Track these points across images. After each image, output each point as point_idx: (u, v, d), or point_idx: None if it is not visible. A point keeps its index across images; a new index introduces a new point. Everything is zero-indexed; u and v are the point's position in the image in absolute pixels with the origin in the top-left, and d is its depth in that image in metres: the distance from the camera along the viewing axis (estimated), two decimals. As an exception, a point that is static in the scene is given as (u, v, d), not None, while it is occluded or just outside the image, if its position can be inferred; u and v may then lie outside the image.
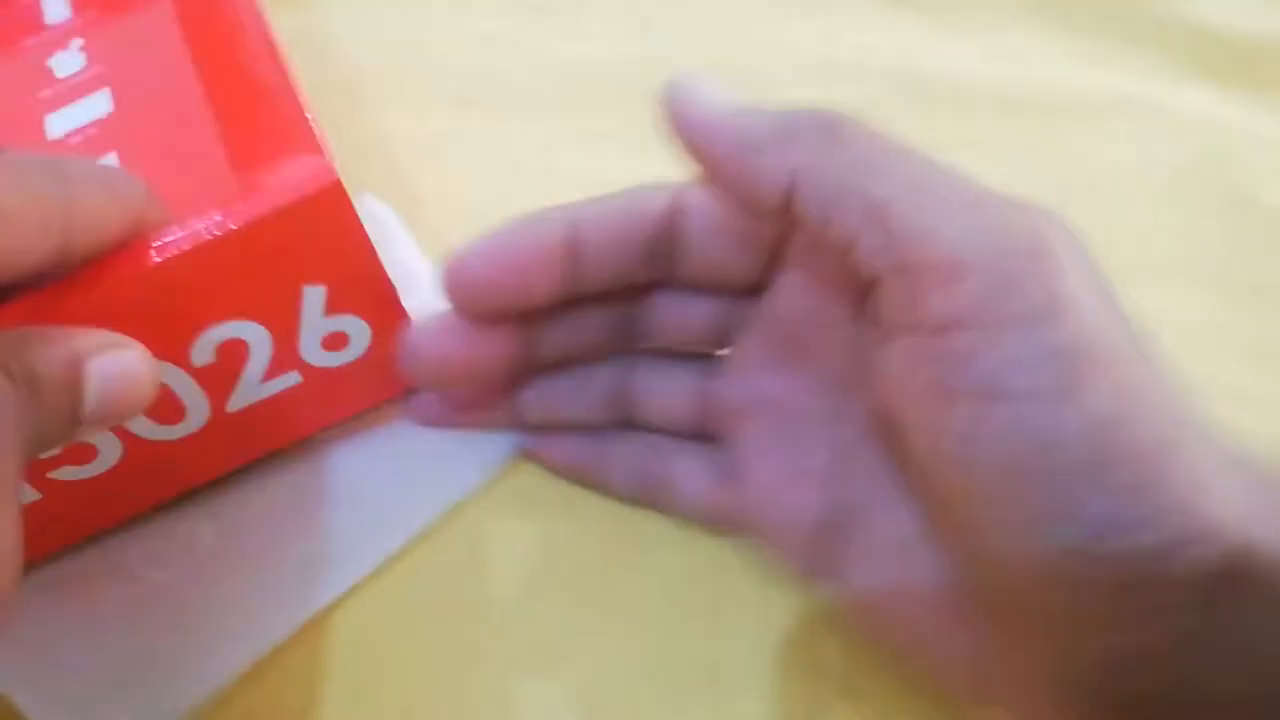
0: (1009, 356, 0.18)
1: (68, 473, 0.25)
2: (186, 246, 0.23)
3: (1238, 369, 0.31)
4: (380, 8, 0.44)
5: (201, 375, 0.25)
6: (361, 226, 0.25)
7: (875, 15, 0.44)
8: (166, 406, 0.25)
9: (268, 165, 0.25)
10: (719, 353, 0.28)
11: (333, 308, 0.26)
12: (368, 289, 0.26)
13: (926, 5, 0.44)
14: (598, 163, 0.37)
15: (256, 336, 0.25)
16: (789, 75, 0.41)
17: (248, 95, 0.27)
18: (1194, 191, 0.36)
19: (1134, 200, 0.36)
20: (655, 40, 0.43)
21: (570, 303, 0.26)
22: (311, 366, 0.26)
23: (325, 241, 0.25)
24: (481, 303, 0.25)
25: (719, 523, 0.27)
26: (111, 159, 0.26)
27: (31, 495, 0.25)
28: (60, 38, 0.30)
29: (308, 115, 0.26)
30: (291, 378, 0.26)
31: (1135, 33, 0.42)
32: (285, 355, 0.26)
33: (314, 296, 0.25)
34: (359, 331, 0.26)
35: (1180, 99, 0.39)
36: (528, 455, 0.29)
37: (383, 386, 0.28)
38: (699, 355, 0.28)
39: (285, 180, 0.24)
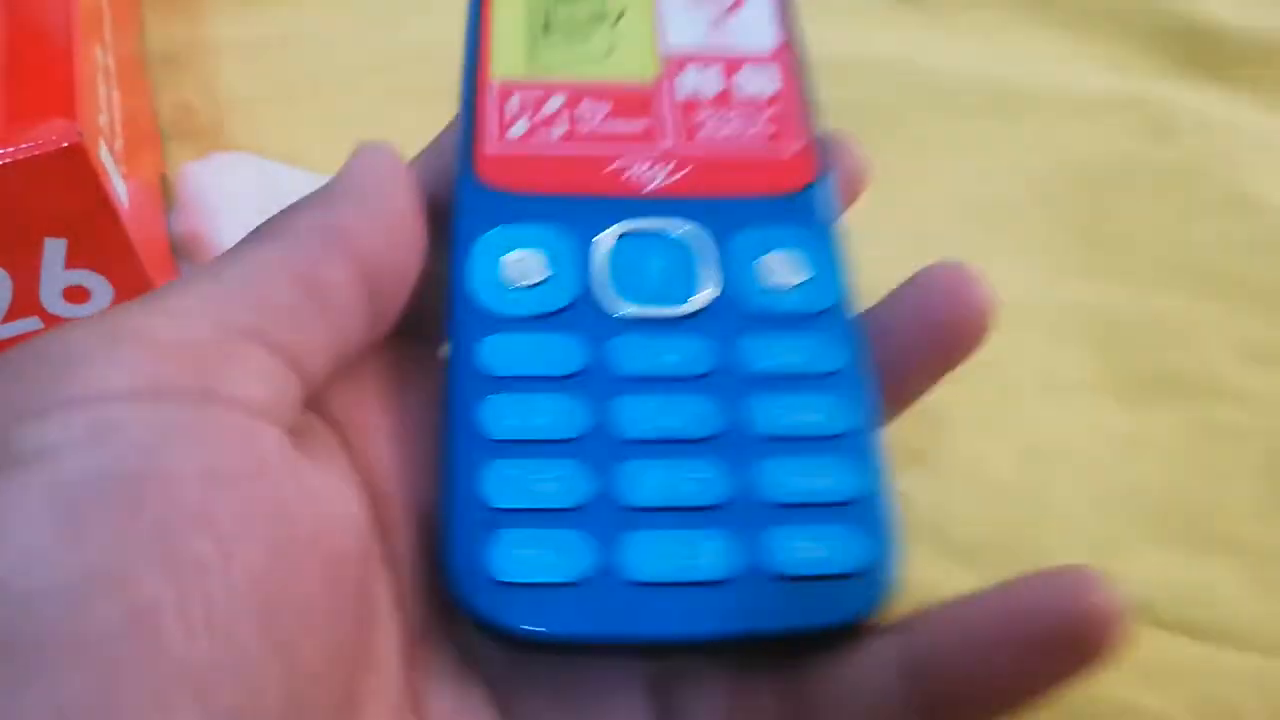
0: None
1: None
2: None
3: (1236, 369, 0.31)
4: (374, 4, 0.46)
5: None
6: (106, 189, 0.27)
7: (872, 14, 0.45)
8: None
9: (33, 123, 0.27)
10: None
11: (73, 261, 0.27)
12: (110, 249, 0.28)
13: (924, 4, 0.45)
14: None
15: (-3, 277, 0.27)
16: None
17: (38, 59, 0.29)
18: (1191, 191, 0.36)
19: (1131, 199, 0.36)
20: None
21: None
22: (53, 315, 0.28)
23: (67, 198, 0.27)
24: None
25: None
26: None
27: None
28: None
29: (77, 81, 0.28)
30: (32, 323, 0.28)
31: (1133, 31, 0.43)
32: (25, 300, 0.28)
33: (55, 248, 0.27)
34: (100, 288, 0.28)
35: (1178, 98, 0.40)
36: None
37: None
38: None
39: (33, 137, 0.26)
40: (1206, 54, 0.42)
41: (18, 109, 0.27)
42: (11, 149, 0.25)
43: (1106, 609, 0.15)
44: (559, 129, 0.20)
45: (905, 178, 0.38)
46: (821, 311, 0.18)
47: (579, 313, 0.18)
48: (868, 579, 0.16)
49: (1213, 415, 0.30)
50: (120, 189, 0.28)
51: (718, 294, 0.18)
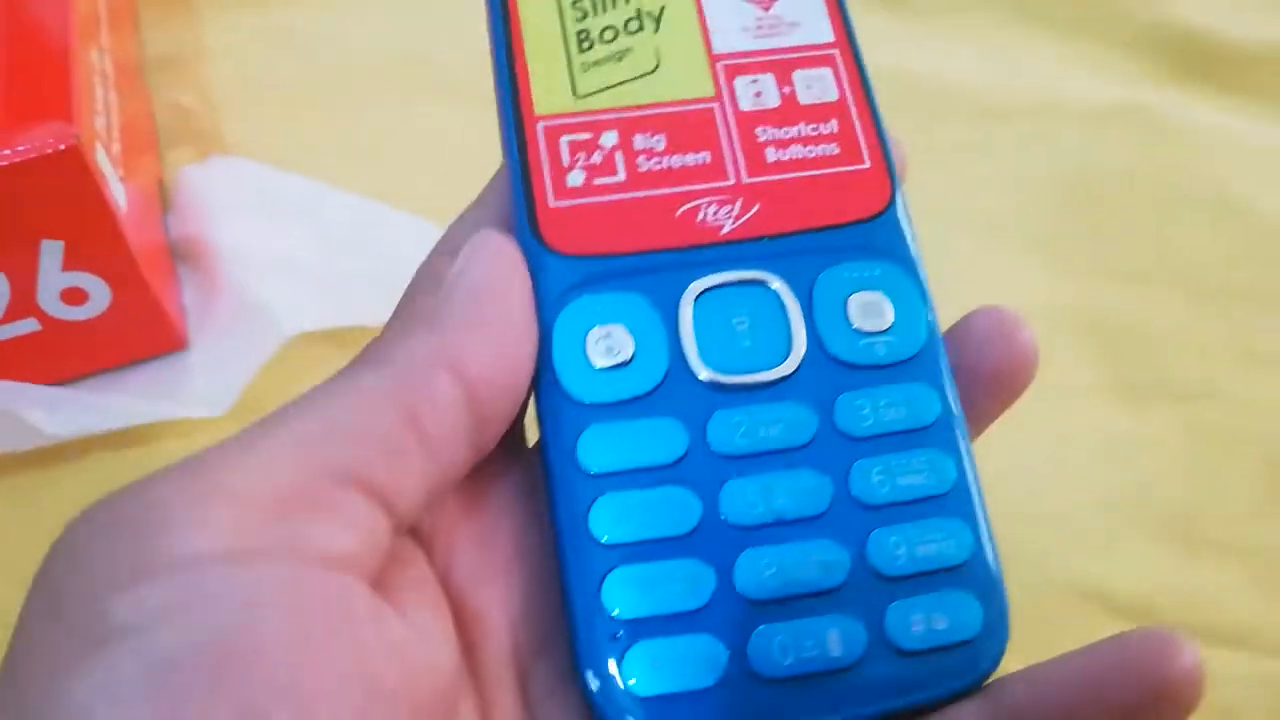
0: None
1: None
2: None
3: (1232, 372, 0.31)
4: (372, 6, 0.46)
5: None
6: (103, 191, 0.27)
7: (868, 19, 0.45)
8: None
9: (30, 126, 0.27)
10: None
11: (70, 264, 0.27)
12: (107, 251, 0.28)
13: (920, 9, 0.45)
14: None
15: (-7, 279, 0.27)
16: None
17: (35, 63, 0.29)
18: (1186, 196, 0.37)
19: (1125, 204, 0.36)
20: None
21: None
22: (51, 317, 0.28)
23: (64, 201, 0.27)
24: None
25: None
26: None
27: None
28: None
29: (74, 85, 0.28)
30: (30, 324, 0.28)
31: (1126, 38, 0.43)
32: (23, 302, 0.28)
33: (52, 250, 0.27)
34: (98, 290, 0.28)
35: (1171, 104, 0.40)
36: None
37: (128, 347, 0.30)
38: None
39: (29, 139, 0.26)
40: (1200, 61, 0.42)
41: (15, 112, 0.27)
42: (9, 151, 0.25)
43: (1192, 671, 0.15)
44: (619, 173, 0.18)
45: (903, 183, 0.38)
46: (912, 357, 0.18)
47: (672, 389, 0.17)
48: (984, 641, 0.16)
49: (1210, 418, 0.30)
50: (118, 191, 0.28)
51: (808, 351, 0.18)
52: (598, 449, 0.17)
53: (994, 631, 0.16)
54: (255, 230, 0.34)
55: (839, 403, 0.17)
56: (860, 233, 0.18)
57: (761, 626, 0.16)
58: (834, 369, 0.17)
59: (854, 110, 0.20)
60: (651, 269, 0.18)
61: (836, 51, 0.20)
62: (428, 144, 0.40)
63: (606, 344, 0.17)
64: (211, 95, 0.42)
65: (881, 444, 0.17)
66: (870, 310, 0.18)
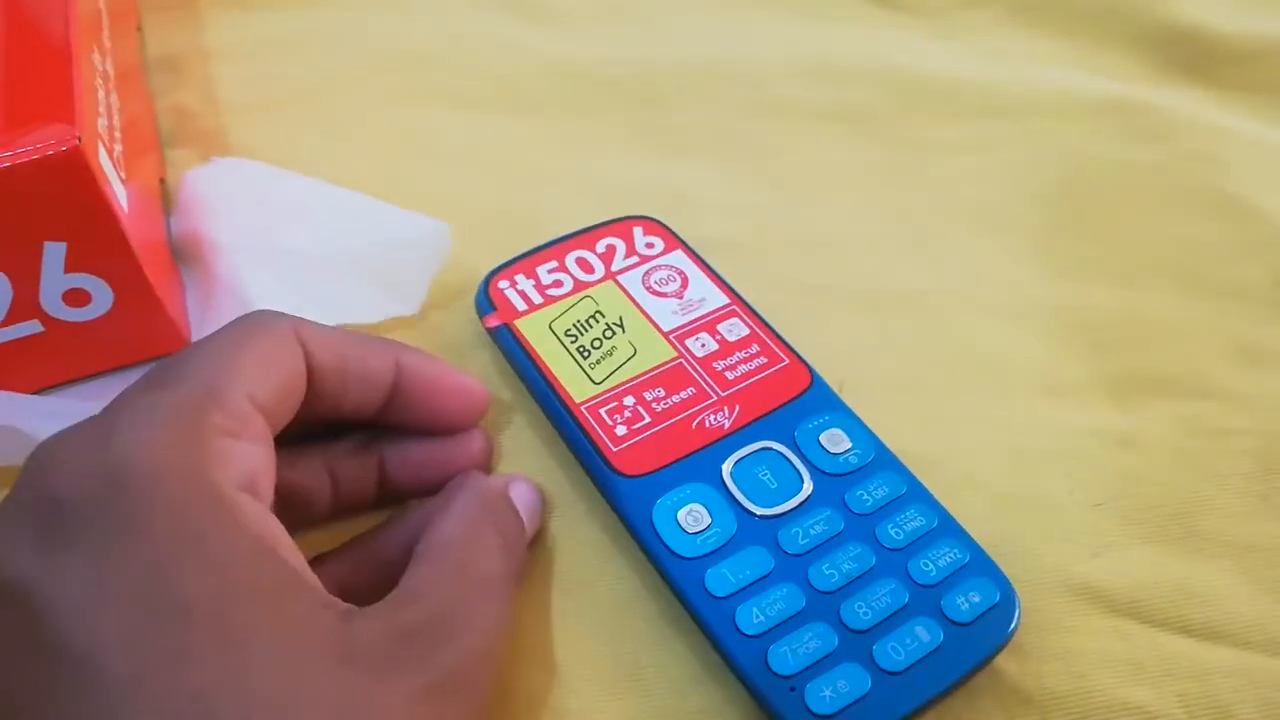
0: None
1: None
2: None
3: (1226, 369, 0.31)
4: (373, 7, 0.46)
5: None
6: (104, 193, 0.27)
7: (867, 19, 0.46)
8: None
9: (32, 128, 0.27)
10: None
11: (73, 265, 0.28)
12: (109, 252, 0.28)
13: (918, 9, 0.46)
14: (583, 162, 0.38)
15: (-4, 281, 0.27)
16: (782, 78, 0.42)
17: (37, 65, 0.29)
18: (1181, 193, 0.37)
19: (1121, 202, 0.37)
20: (649, 43, 0.44)
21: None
22: (53, 319, 0.28)
23: (66, 203, 0.27)
24: None
25: None
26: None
27: None
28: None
29: (76, 87, 0.28)
30: (32, 325, 0.28)
31: (1123, 36, 0.43)
32: (25, 303, 0.28)
33: (54, 252, 0.27)
34: (101, 291, 0.28)
35: (1167, 101, 0.40)
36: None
37: (130, 348, 0.30)
38: None
39: (31, 141, 0.26)
40: (1196, 58, 0.42)
41: (17, 114, 0.28)
42: (10, 153, 0.26)
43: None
44: (645, 418, 0.28)
45: (899, 181, 0.38)
46: (874, 459, 0.27)
47: (745, 531, 0.26)
48: (1007, 602, 0.24)
49: (1203, 415, 0.30)
50: (120, 193, 0.28)
51: (813, 478, 0.27)
52: (719, 580, 0.25)
53: (1010, 595, 0.25)
54: (257, 230, 0.34)
55: (847, 498, 0.26)
56: (804, 401, 0.28)
57: (877, 644, 0.24)
58: (833, 481, 0.27)
59: (762, 335, 0.30)
60: (697, 465, 0.27)
61: (735, 306, 0.31)
62: (428, 144, 0.40)
63: (692, 519, 0.26)
64: (213, 96, 0.42)
65: (885, 512, 0.26)
66: (835, 440, 0.28)
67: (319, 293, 0.32)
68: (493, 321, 0.30)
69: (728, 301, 0.31)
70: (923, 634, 0.24)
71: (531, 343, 0.30)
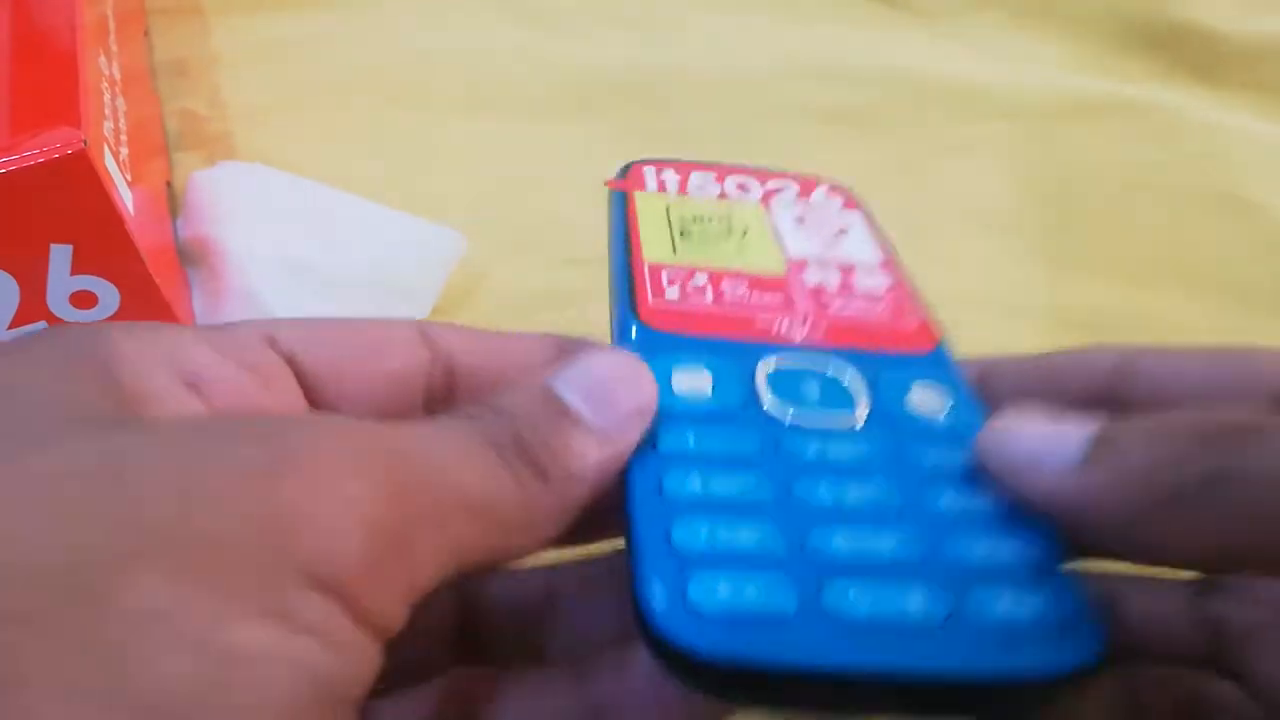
0: None
1: None
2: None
3: None
4: (379, 12, 0.47)
5: (-54, 314, 0.27)
6: (111, 196, 0.27)
7: (874, 21, 0.46)
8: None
9: (38, 131, 0.27)
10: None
11: (79, 268, 0.28)
12: (116, 255, 0.28)
13: (924, 10, 0.46)
14: (590, 166, 0.38)
15: (4, 284, 0.27)
16: (789, 80, 0.42)
17: (43, 68, 0.30)
18: (1186, 192, 0.37)
19: (1129, 202, 0.37)
20: (654, 46, 0.44)
21: None
22: (61, 320, 0.29)
23: (72, 205, 0.27)
24: None
25: None
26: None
27: None
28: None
29: (82, 89, 0.28)
30: (40, 328, 0.29)
31: (1130, 36, 0.43)
32: (33, 305, 0.28)
33: (61, 254, 0.28)
34: (108, 293, 0.29)
35: (1175, 101, 0.40)
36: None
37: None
38: None
39: (37, 144, 0.26)
40: (1202, 58, 0.42)
41: (23, 117, 0.28)
42: (17, 156, 0.26)
43: None
44: (708, 296, 0.22)
45: (904, 181, 0.38)
46: (964, 431, 0.18)
47: (745, 419, 0.19)
48: (1076, 633, 0.16)
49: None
50: (126, 196, 0.29)
51: (867, 411, 0.19)
52: (677, 438, 0.18)
53: (1086, 626, 0.16)
54: (264, 234, 0.34)
55: (907, 449, 0.18)
56: (916, 359, 0.21)
57: (835, 580, 0.16)
58: (899, 426, 0.19)
59: (902, 294, 0.23)
60: (734, 349, 0.20)
61: (887, 264, 0.24)
62: (435, 148, 0.40)
63: (690, 381, 0.19)
64: (220, 101, 0.42)
65: (951, 483, 0.18)
66: (928, 397, 0.20)
67: (327, 296, 0.33)
68: (615, 185, 0.26)
69: (882, 258, 0.25)
70: (914, 599, 0.16)
71: (638, 211, 0.25)
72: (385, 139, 0.40)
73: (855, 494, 0.17)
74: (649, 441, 0.17)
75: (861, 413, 0.19)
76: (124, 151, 0.31)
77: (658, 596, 0.15)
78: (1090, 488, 0.16)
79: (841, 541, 0.16)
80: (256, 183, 0.37)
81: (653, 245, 0.23)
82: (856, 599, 0.15)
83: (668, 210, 0.25)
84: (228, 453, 0.13)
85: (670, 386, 0.19)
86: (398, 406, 0.19)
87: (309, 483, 0.13)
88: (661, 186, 0.26)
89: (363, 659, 0.13)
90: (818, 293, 0.23)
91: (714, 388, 0.19)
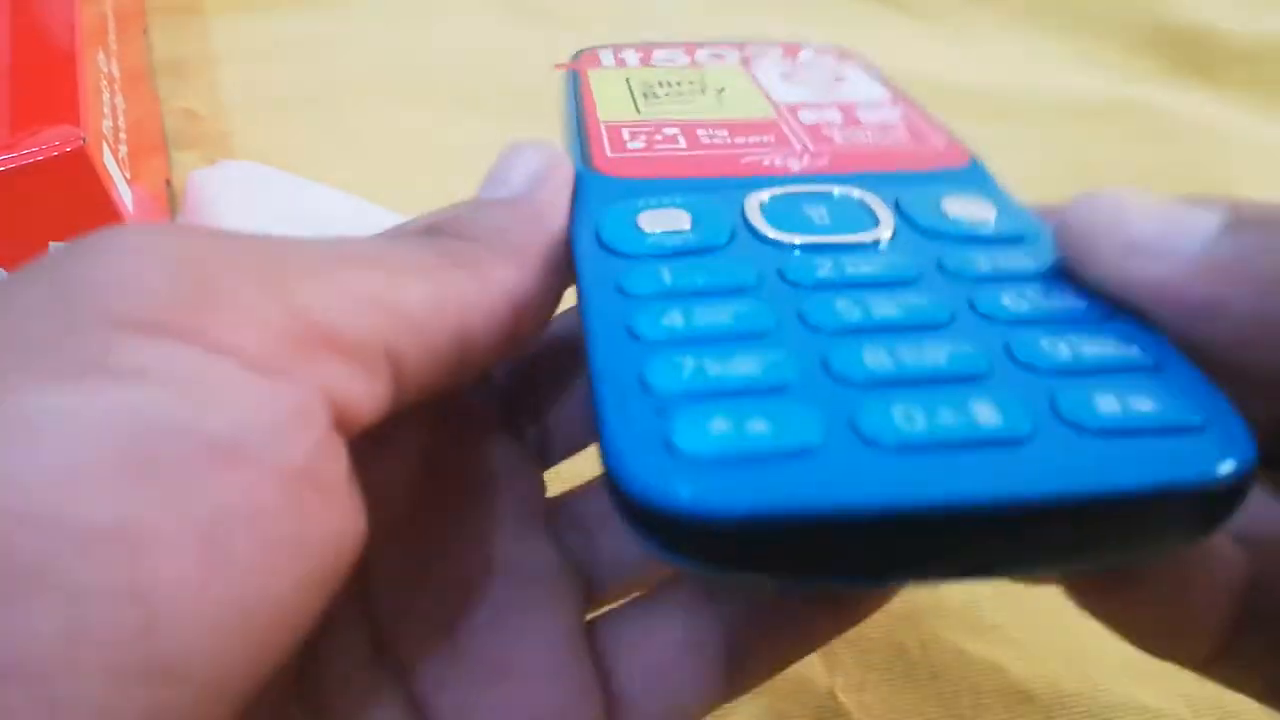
0: None
1: None
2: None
3: None
4: (379, 12, 0.47)
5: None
6: (110, 193, 0.27)
7: (873, 21, 0.46)
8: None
9: (38, 129, 0.27)
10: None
11: (78, 265, 0.28)
12: (114, 252, 0.28)
13: (924, 11, 0.46)
14: None
15: (2, 282, 0.27)
16: None
17: (42, 66, 0.30)
18: (1185, 193, 0.36)
19: None
20: None
21: None
22: (59, 318, 0.29)
23: (71, 203, 0.27)
24: None
25: None
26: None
27: None
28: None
29: (81, 88, 0.28)
30: (38, 326, 0.29)
31: (1129, 36, 0.43)
32: (31, 303, 0.28)
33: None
34: (106, 291, 0.29)
35: (1173, 101, 0.40)
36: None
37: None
38: None
39: (36, 142, 0.26)
40: (1201, 58, 0.42)
41: (22, 115, 0.28)
42: (16, 154, 0.26)
43: None
44: (680, 143, 0.18)
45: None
46: (1021, 235, 0.15)
47: (737, 249, 0.15)
48: (1212, 433, 0.12)
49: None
50: (125, 194, 0.29)
51: (892, 229, 0.15)
52: (644, 277, 0.14)
53: (1225, 426, 0.12)
54: (262, 232, 0.34)
55: (945, 259, 0.14)
56: (942, 174, 0.17)
57: (873, 399, 0.12)
58: (934, 238, 0.15)
59: (918, 120, 0.20)
60: (717, 186, 0.16)
61: (895, 98, 0.21)
62: (433, 147, 0.40)
63: (662, 220, 0.15)
64: (219, 100, 0.42)
65: (1008, 281, 0.14)
66: (969, 208, 0.16)
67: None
68: (564, 67, 0.22)
69: (890, 95, 0.21)
70: (982, 411, 0.11)
71: (591, 87, 0.21)
72: (385, 139, 0.40)
73: (887, 307, 0.13)
74: (613, 286, 0.14)
75: (886, 230, 0.15)
76: (123, 150, 0.31)
77: (630, 449, 0.11)
78: (1225, 278, 0.12)
79: (876, 357, 0.12)
80: (255, 182, 0.37)
81: (611, 108, 0.20)
82: (907, 417, 0.11)
83: (628, 81, 0.21)
84: (36, 267, 0.12)
85: (637, 230, 0.15)
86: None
87: (104, 254, 0.12)
88: (619, 61, 0.22)
89: (240, 395, 0.11)
90: (817, 128, 0.19)
91: (693, 224, 0.15)
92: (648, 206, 0.16)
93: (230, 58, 0.44)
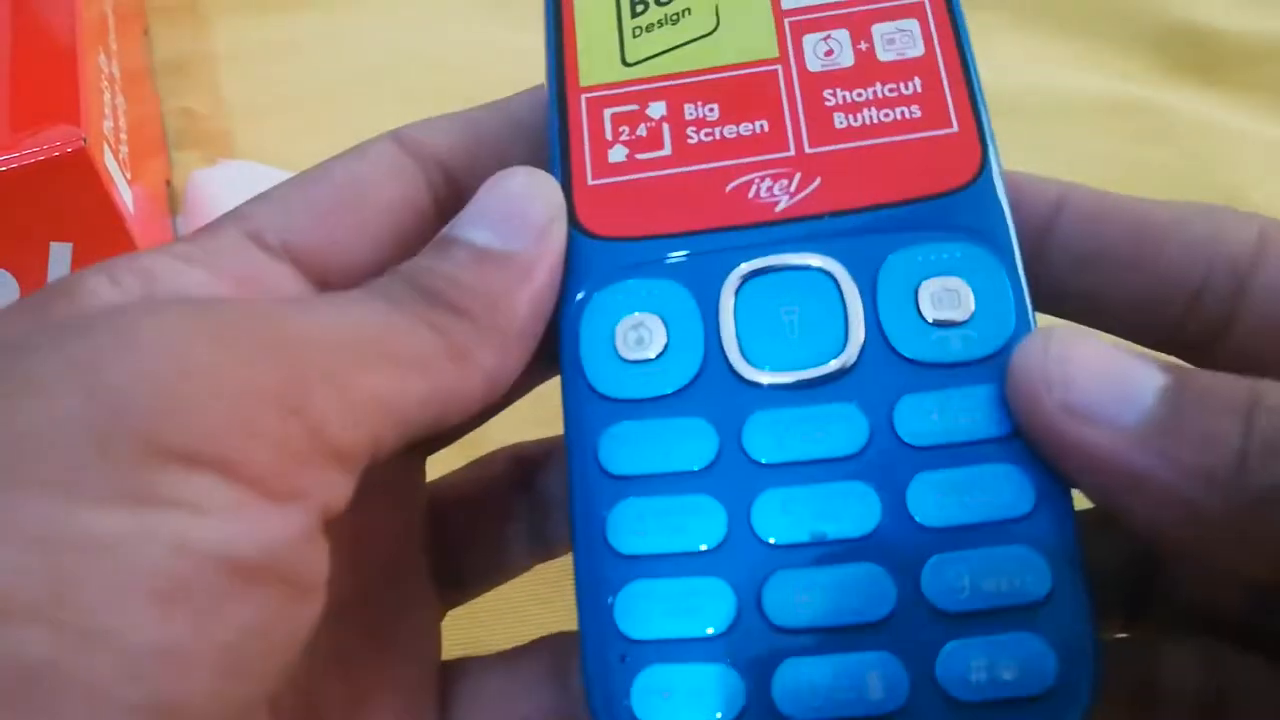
0: None
1: None
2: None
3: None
4: (379, 12, 0.47)
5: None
6: (110, 193, 0.27)
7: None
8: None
9: (38, 129, 0.27)
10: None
11: (79, 265, 0.28)
12: (116, 253, 0.28)
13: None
14: None
15: (3, 282, 0.27)
16: None
17: (43, 66, 0.30)
18: (1187, 194, 0.35)
19: None
20: None
21: None
22: (60, 318, 0.29)
23: (72, 203, 0.27)
24: None
25: None
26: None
27: None
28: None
29: (81, 88, 0.28)
30: (39, 326, 0.29)
31: (1127, 35, 0.42)
32: (32, 303, 0.28)
33: (60, 252, 0.28)
34: (106, 291, 0.29)
35: (1173, 102, 0.40)
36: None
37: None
38: None
39: (37, 142, 0.26)
40: (1202, 57, 0.42)
41: (23, 115, 0.28)
42: (17, 154, 0.26)
43: None
44: (665, 147, 0.17)
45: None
46: (994, 354, 0.15)
47: (706, 387, 0.15)
48: (1057, 700, 0.13)
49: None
50: (125, 194, 0.29)
51: (866, 345, 0.15)
52: (621, 449, 0.15)
53: (1072, 691, 0.13)
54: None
55: (900, 405, 0.15)
56: (940, 208, 0.16)
57: (789, 660, 0.14)
58: (897, 366, 0.15)
59: (942, 66, 0.17)
60: (694, 252, 0.16)
61: (928, 10, 0.18)
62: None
63: (637, 335, 0.16)
64: (220, 100, 0.42)
65: (948, 456, 0.14)
66: (946, 299, 0.15)
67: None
68: None
69: (917, 2, 0.18)
70: (873, 685, 0.14)
71: (575, 9, 0.19)
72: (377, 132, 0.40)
73: (819, 518, 0.14)
74: (593, 446, 0.15)
75: (852, 352, 0.15)
76: (124, 150, 0.31)
77: (600, 702, 0.14)
78: (1152, 456, 0.12)
79: (798, 604, 0.14)
80: (255, 181, 0.37)
81: (590, 56, 0.18)
82: (808, 694, 0.14)
83: (617, 3, 0.19)
84: (51, 352, 0.13)
85: (614, 345, 0.16)
86: (410, 230, 0.18)
87: (138, 362, 0.12)
88: None
89: (266, 523, 0.12)
90: (817, 92, 0.17)
91: (667, 347, 0.16)
92: (626, 310, 0.16)
93: (230, 58, 0.44)
